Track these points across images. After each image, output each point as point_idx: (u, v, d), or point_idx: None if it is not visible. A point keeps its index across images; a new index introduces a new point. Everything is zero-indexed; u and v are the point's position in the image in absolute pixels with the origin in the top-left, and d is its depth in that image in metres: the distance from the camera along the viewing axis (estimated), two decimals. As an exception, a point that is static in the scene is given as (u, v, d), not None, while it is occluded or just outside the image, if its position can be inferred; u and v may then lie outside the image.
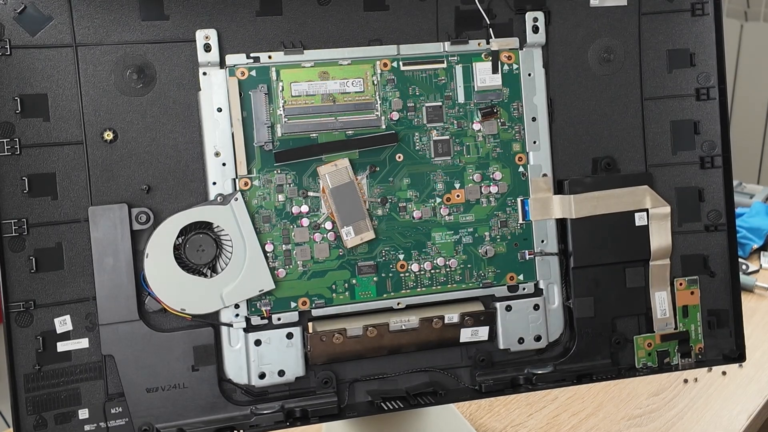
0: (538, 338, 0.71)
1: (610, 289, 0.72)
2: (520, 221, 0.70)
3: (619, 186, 0.71)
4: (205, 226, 0.65)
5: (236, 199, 0.65)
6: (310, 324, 0.67)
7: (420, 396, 0.69)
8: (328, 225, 0.67)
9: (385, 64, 0.68)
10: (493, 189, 0.70)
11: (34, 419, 0.63)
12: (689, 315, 0.73)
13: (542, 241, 0.71)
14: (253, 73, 0.66)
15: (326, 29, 0.67)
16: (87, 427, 0.64)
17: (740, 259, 1.17)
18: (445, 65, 0.69)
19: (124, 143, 0.64)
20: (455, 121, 0.69)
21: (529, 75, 0.70)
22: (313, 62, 0.67)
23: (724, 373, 0.95)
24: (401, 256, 0.68)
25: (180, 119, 0.65)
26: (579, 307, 0.71)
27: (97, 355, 0.64)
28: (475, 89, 0.69)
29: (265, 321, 0.66)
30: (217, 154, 0.65)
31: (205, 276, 0.65)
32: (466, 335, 0.69)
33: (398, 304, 0.69)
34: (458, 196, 0.69)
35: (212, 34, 0.65)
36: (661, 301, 0.72)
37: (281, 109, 0.66)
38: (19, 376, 0.62)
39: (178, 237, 0.64)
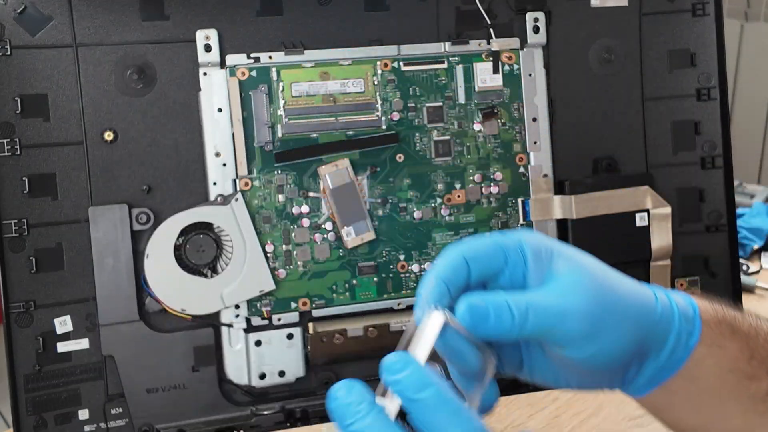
0: (538, 339, 0.70)
1: (610, 289, 0.71)
2: (521, 222, 0.70)
3: (619, 186, 0.71)
4: (205, 227, 0.65)
5: (236, 200, 0.65)
6: (310, 324, 0.67)
7: (420, 397, 0.69)
8: (329, 225, 0.67)
9: (386, 65, 0.68)
10: (494, 189, 0.69)
11: (34, 420, 0.62)
12: (690, 315, 0.73)
13: (543, 242, 0.70)
14: (254, 73, 0.66)
15: (326, 29, 0.67)
16: (87, 428, 0.64)
17: (741, 260, 1.17)
18: (445, 65, 0.69)
19: (124, 143, 0.64)
20: (456, 122, 0.69)
21: (530, 75, 0.70)
22: (313, 62, 0.67)
23: (724, 373, 0.95)
24: (402, 257, 0.68)
25: (180, 119, 0.65)
26: (580, 308, 0.71)
27: (97, 356, 0.64)
28: (476, 90, 0.69)
29: (266, 321, 0.66)
30: (217, 155, 0.65)
31: (206, 276, 0.65)
32: (466, 336, 0.69)
33: (399, 304, 0.69)
34: (459, 196, 0.69)
35: (212, 34, 0.65)
36: (661, 302, 0.72)
37: (282, 109, 0.66)
38: (19, 376, 0.62)
39: (178, 237, 0.64)
